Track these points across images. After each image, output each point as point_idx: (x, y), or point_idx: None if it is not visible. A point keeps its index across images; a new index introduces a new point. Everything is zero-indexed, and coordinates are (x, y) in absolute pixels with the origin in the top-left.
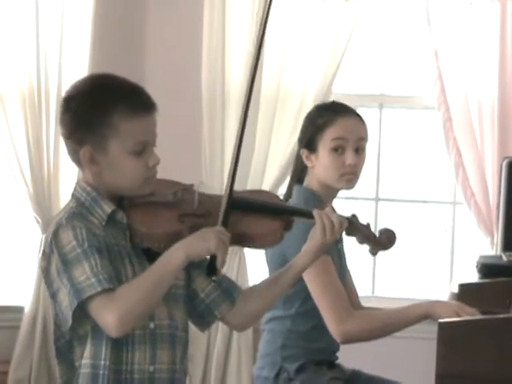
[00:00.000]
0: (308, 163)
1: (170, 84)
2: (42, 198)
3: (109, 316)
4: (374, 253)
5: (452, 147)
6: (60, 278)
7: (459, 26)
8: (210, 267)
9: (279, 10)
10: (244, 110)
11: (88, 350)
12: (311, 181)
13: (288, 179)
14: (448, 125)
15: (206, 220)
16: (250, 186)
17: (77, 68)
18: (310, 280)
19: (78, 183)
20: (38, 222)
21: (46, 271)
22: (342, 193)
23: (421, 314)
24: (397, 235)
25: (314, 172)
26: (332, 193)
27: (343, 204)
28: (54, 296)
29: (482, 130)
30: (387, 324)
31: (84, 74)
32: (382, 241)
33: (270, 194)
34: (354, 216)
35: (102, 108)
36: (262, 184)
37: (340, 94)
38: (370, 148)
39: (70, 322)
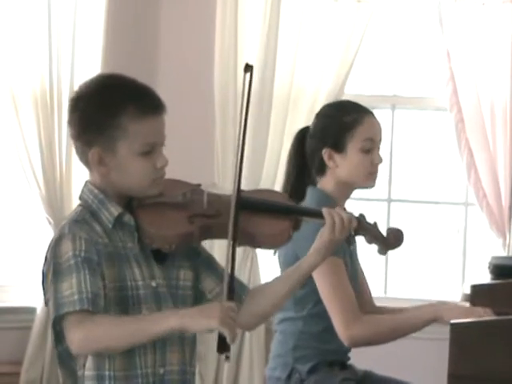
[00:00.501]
0: (330, 163)
1: (182, 85)
2: (54, 199)
3: (75, 335)
4: (382, 252)
5: (464, 148)
6: (50, 287)
7: (471, 26)
8: (220, 344)
9: (292, 11)
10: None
11: (90, 361)
12: (327, 181)
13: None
14: (460, 126)
15: (215, 220)
16: (263, 186)
17: (89, 69)
18: (320, 281)
19: (85, 185)
20: (50, 223)
21: (44, 276)
22: (354, 194)
23: (428, 319)
24: (404, 234)
25: (335, 172)
26: (348, 193)
27: (355, 205)
28: (47, 303)
29: (494, 131)
30: (395, 329)
31: None
32: (390, 240)
33: (278, 194)
34: (361, 215)
35: (110, 109)
36: (274, 184)
37: (352, 94)
38: (383, 149)
39: (53, 334)
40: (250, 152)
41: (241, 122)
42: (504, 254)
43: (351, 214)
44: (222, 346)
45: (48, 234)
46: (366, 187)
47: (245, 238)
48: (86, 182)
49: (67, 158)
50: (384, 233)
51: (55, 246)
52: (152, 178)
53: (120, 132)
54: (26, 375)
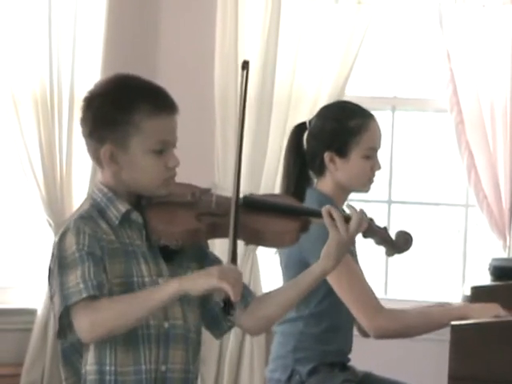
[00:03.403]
0: (330, 166)
1: (182, 85)
2: (54, 200)
3: (83, 321)
4: (390, 254)
5: (464, 150)
6: (55, 281)
7: (472, 28)
8: (224, 306)
9: (292, 13)
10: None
11: (92, 356)
12: (326, 183)
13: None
14: (460, 127)
15: (223, 219)
16: (263, 187)
17: (89, 70)
18: (335, 280)
19: (95, 184)
20: (50, 225)
21: (50, 272)
22: (355, 196)
23: (457, 315)
24: (413, 238)
25: (335, 175)
26: (345, 196)
27: (356, 207)
28: (52, 298)
29: (494, 132)
30: (421, 323)
31: (97, 76)
32: (399, 244)
33: (290, 198)
34: (371, 219)
35: (124, 106)
36: (274, 185)
37: (353, 96)
38: (383, 151)
39: (57, 326)
40: (251, 153)
41: (239, 118)
42: (504, 255)
43: (360, 215)
44: (226, 307)
45: (48, 236)
46: (362, 191)
47: (253, 235)
48: (96, 181)
49: (67, 159)
50: (393, 236)
51: (60, 241)
52: (163, 177)
53: (133, 129)
54: (26, 377)
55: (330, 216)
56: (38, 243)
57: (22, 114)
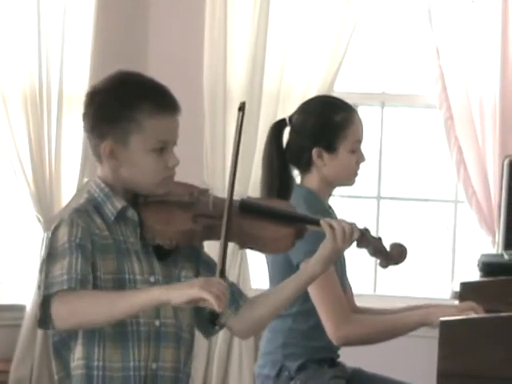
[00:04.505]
0: (318, 162)
1: (171, 83)
2: (43, 196)
3: (60, 310)
4: (384, 266)
5: (453, 146)
6: (43, 269)
7: (461, 24)
8: (210, 316)
9: (281, 8)
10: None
11: (80, 350)
12: (312, 179)
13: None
14: (449, 123)
15: (219, 222)
16: (252, 184)
17: (79, 66)
18: (311, 286)
19: (93, 179)
20: (39, 221)
21: (41, 263)
22: (344, 191)
23: (418, 321)
24: (408, 250)
25: (321, 170)
26: (331, 191)
27: (345, 203)
28: (39, 287)
29: (483, 128)
30: (385, 330)
31: (86, 72)
32: (393, 255)
33: (285, 203)
34: (366, 229)
35: (127, 102)
36: None
37: (341, 92)
38: (372, 146)
39: (39, 314)
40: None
41: (233, 157)
42: (493, 251)
43: (354, 225)
44: (213, 317)
45: (37, 232)
46: (348, 185)
47: (249, 240)
48: (95, 177)
49: (56, 155)
50: (387, 247)
51: (53, 232)
52: (162, 176)
53: (134, 125)
54: (15, 373)
55: (330, 226)
56: (27, 239)
57: (10, 110)
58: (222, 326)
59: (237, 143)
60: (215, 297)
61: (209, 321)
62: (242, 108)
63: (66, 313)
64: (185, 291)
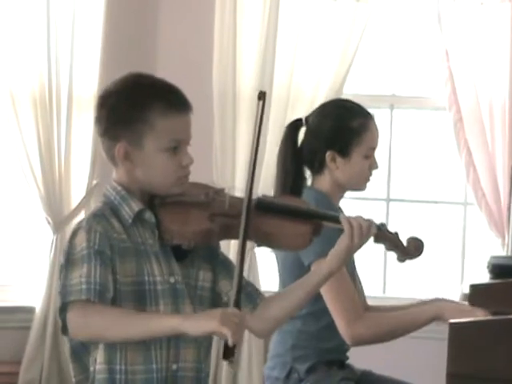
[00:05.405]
0: (331, 165)
1: (180, 83)
2: (52, 198)
3: (74, 319)
4: (401, 260)
5: (463, 148)
6: (61, 275)
7: (470, 26)
8: (224, 350)
9: (291, 11)
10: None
11: (102, 355)
12: (324, 181)
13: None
14: (459, 125)
15: (235, 221)
16: (262, 185)
17: (88, 68)
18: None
19: (109, 183)
20: (49, 223)
21: (61, 268)
22: (353, 193)
23: (430, 317)
24: (425, 245)
25: (334, 173)
26: (342, 194)
27: (355, 204)
28: (59, 294)
29: (492, 130)
30: (397, 327)
31: (95, 74)
32: (410, 250)
33: (300, 200)
34: (382, 224)
35: (139, 104)
36: (272, 184)
37: (351, 94)
38: (382, 149)
39: (60, 321)
40: (248, 152)
41: (252, 148)
42: (503, 253)
43: (371, 221)
44: (226, 351)
45: (47, 234)
46: (359, 190)
47: (265, 238)
48: (111, 180)
49: (66, 157)
50: (404, 241)
51: (72, 238)
52: (177, 175)
53: (147, 127)
54: (24, 375)
55: (349, 222)
56: (37, 241)
57: (20, 113)
58: (231, 362)
59: (257, 134)
60: (233, 333)
61: (223, 353)
62: (261, 97)
63: (81, 325)
64: (204, 323)
